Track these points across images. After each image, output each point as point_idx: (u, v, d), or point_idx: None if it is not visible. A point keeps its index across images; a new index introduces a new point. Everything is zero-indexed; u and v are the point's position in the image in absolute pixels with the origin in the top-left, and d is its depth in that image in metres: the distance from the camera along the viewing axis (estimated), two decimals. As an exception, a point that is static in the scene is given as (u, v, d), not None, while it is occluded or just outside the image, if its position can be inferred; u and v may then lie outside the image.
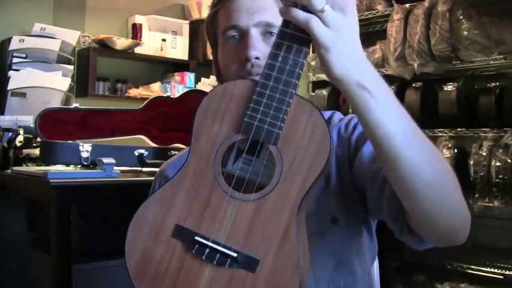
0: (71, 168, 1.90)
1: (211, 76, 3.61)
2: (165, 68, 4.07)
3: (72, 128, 2.11)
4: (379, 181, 0.91)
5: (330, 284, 1.01)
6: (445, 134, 2.53)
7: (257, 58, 0.99)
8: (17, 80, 2.93)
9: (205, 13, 4.01)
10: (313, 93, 3.03)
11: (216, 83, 4.17)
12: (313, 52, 2.03)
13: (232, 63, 1.02)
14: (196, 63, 3.95)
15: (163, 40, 3.92)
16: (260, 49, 1.00)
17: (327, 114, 1.15)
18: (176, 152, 2.00)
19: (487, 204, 2.30)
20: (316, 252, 0.94)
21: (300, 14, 0.72)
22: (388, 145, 0.75)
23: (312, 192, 0.84)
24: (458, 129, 2.49)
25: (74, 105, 2.32)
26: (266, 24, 1.01)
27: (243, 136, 0.81)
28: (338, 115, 1.15)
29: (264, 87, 0.80)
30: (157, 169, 1.22)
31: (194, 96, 2.32)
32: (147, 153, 2.00)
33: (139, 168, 2.01)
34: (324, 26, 0.72)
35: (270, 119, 0.80)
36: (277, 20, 0.99)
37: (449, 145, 2.48)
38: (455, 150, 2.46)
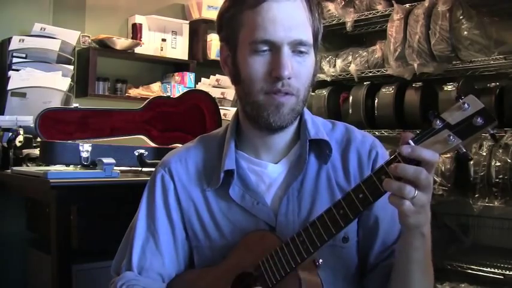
0: (71, 168, 1.90)
1: (211, 76, 3.60)
2: (165, 68, 4.07)
3: (72, 128, 2.11)
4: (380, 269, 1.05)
5: None
6: (445, 134, 2.53)
7: (289, 78, 0.97)
8: (17, 80, 2.92)
9: (205, 13, 4.00)
10: (313, 93, 3.03)
11: (216, 83, 4.16)
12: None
13: (260, 78, 0.99)
14: (196, 63, 3.94)
15: (163, 40, 3.92)
16: (292, 68, 0.98)
17: (337, 127, 1.13)
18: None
19: (487, 204, 2.30)
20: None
21: (394, 200, 0.85)
22: (408, 268, 0.95)
23: None
24: (459, 129, 2.48)
25: (74, 105, 2.32)
26: (300, 42, 0.98)
27: None
28: (357, 131, 1.12)
29: None
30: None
31: (194, 96, 2.31)
32: (147, 153, 2.00)
33: (139, 168, 2.01)
34: (412, 206, 0.85)
35: None
36: (309, 38, 1.01)
37: (450, 145, 2.47)
38: (455, 150, 2.46)
